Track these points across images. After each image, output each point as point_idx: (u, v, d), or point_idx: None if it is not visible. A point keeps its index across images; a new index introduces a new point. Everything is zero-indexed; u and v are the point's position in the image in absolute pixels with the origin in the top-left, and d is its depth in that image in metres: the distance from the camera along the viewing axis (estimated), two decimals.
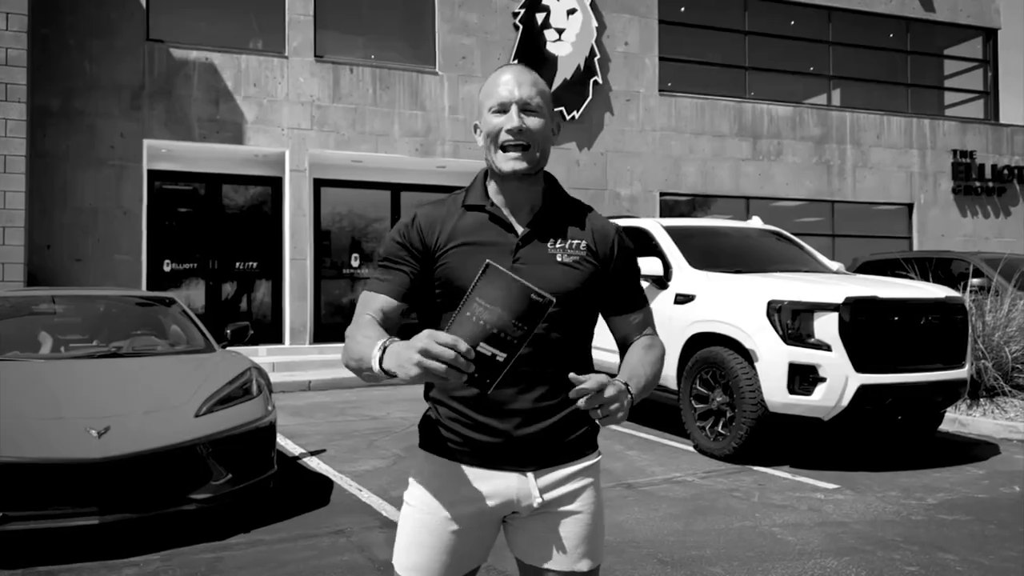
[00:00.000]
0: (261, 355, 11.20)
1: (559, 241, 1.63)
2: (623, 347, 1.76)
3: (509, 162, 1.59)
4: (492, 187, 1.68)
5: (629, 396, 1.51)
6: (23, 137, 9.27)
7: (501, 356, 1.35)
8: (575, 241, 1.65)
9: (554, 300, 1.35)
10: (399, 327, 1.61)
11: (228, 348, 5.59)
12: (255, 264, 12.16)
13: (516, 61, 12.89)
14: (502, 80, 1.62)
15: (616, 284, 1.70)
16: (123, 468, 3.83)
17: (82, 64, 10.66)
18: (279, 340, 11.79)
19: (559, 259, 1.62)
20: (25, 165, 9.33)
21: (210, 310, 11.82)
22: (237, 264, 12.06)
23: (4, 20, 9.20)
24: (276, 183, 12.12)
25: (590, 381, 1.39)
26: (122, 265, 10.66)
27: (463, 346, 1.28)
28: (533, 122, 1.59)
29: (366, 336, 1.50)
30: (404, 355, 1.32)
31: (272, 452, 4.58)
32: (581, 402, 1.40)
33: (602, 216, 1.75)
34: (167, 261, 11.60)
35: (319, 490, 5.07)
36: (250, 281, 12.24)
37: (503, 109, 1.59)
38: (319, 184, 12.37)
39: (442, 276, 1.61)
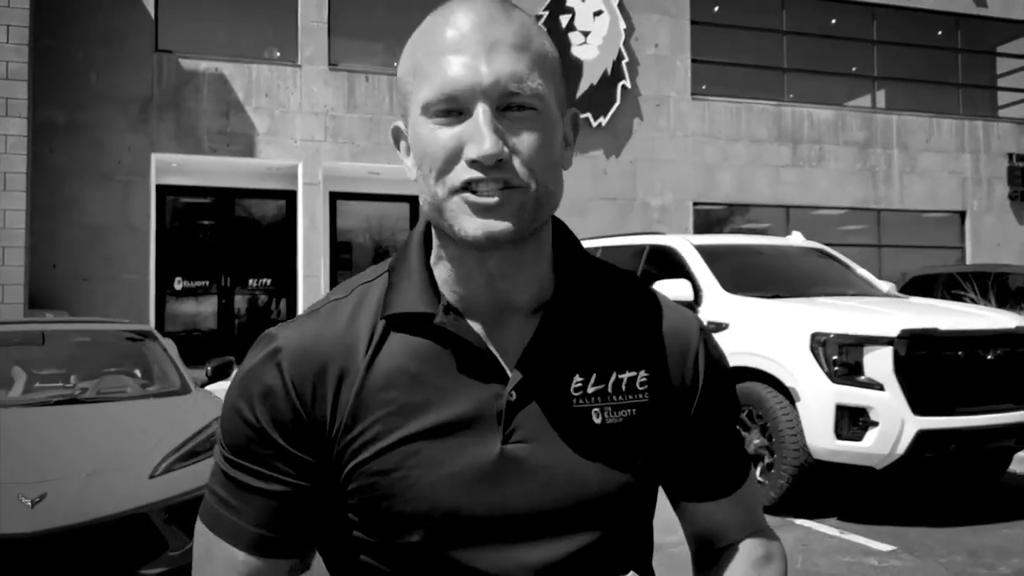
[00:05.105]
0: None
1: (594, 376, 0.84)
2: (703, 550, 0.97)
3: (479, 220, 0.75)
4: (444, 267, 0.84)
5: None
6: (24, 153, 8.94)
7: None
8: (624, 374, 0.85)
9: None
10: None
11: (207, 388, 5.10)
12: (269, 281, 11.80)
13: None
14: (451, 38, 0.75)
15: (700, 442, 0.90)
16: (59, 542, 3.33)
17: (88, 76, 10.35)
18: None
19: (598, 419, 0.83)
20: (26, 182, 9.01)
21: (222, 328, 11.48)
22: (250, 281, 11.72)
23: (5, 33, 8.89)
24: (290, 197, 11.73)
25: None
26: (130, 284, 10.31)
27: None
28: (527, 138, 0.75)
29: None
30: None
31: None
32: None
33: (668, 301, 0.92)
34: (178, 278, 11.28)
35: None
36: (264, 298, 11.87)
37: (457, 108, 0.75)
38: (335, 197, 11.95)
39: (360, 490, 0.81)
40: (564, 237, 0.89)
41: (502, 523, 0.80)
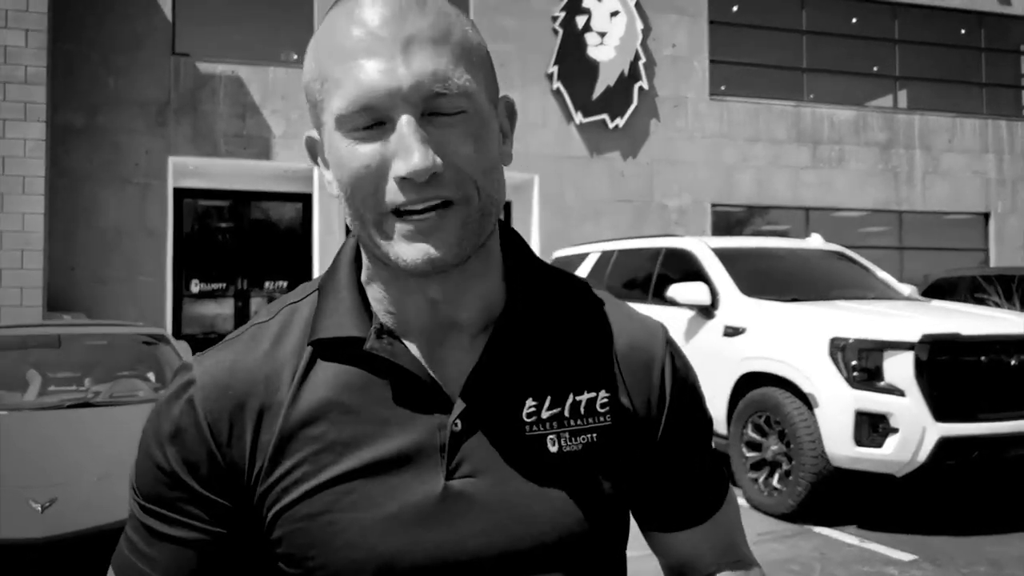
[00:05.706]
0: None
1: (548, 399, 0.76)
2: None
3: (418, 246, 0.67)
4: (377, 287, 0.76)
5: None
6: (42, 157, 9.00)
7: None
8: (583, 395, 0.77)
9: None
10: None
11: None
12: (285, 284, 11.83)
13: None
14: (359, 38, 0.66)
15: (670, 467, 0.83)
16: (69, 548, 3.31)
17: (106, 80, 10.41)
18: None
19: (554, 447, 0.75)
20: (45, 186, 9.07)
21: None
22: (266, 283, 11.77)
23: (23, 37, 8.95)
24: (306, 199, 11.75)
25: None
26: (147, 286, 10.35)
27: None
28: (460, 143, 0.67)
29: None
30: None
31: None
32: None
33: (630, 311, 0.85)
34: (194, 281, 11.34)
35: None
36: None
37: (377, 119, 0.66)
38: None
39: (288, 538, 0.73)
40: (513, 244, 0.81)
41: (449, 569, 0.72)
